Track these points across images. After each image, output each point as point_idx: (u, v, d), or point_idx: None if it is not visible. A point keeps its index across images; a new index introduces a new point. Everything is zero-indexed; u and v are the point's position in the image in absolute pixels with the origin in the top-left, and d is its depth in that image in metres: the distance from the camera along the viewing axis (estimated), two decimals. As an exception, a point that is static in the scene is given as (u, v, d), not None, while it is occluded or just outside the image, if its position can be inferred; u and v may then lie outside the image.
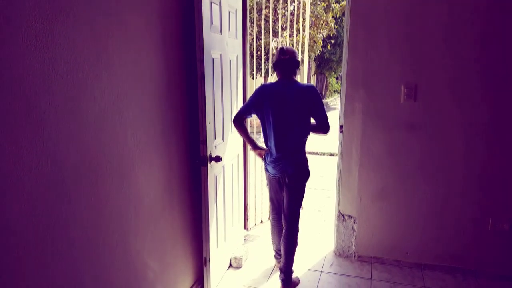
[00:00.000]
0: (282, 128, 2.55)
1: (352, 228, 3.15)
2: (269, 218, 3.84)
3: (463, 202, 2.87)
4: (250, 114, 2.68)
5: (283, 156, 2.58)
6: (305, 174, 2.64)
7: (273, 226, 2.97)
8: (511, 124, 2.68)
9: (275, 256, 3.10)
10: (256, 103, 2.61)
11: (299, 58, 2.71)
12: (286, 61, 2.57)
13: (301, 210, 2.75)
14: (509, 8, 2.53)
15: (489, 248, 2.88)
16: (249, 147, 2.95)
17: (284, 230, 2.74)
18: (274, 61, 2.66)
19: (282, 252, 2.75)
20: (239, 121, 2.70)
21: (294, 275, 2.88)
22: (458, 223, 2.90)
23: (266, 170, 2.75)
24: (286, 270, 2.74)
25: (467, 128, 2.76)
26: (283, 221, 2.77)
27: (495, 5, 2.55)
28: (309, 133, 2.63)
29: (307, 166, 2.66)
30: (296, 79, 2.65)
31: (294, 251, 2.73)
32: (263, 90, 2.61)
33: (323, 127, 2.57)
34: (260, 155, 2.80)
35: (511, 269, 2.86)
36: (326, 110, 2.80)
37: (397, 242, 3.07)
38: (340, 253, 3.25)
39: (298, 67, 2.63)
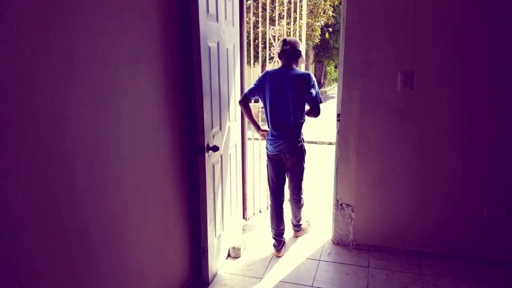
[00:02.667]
0: (279, 109, 2.88)
1: (350, 216, 3.16)
2: (267, 208, 3.92)
3: (460, 189, 2.88)
4: (254, 96, 3.03)
5: (280, 134, 2.91)
6: (301, 151, 2.98)
7: (272, 209, 3.16)
8: (507, 111, 2.67)
9: (273, 244, 3.15)
10: (259, 86, 2.97)
11: (301, 48, 2.99)
12: (288, 51, 2.90)
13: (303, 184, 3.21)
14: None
15: (485, 234, 2.90)
16: (253, 128, 3.25)
17: (290, 201, 3.26)
18: (278, 51, 3.01)
19: (291, 213, 3.31)
20: (245, 103, 3.02)
21: (304, 227, 3.46)
22: (454, 211, 2.92)
23: (266, 148, 3.07)
24: (294, 224, 3.37)
25: (464, 115, 2.75)
26: (289, 192, 3.20)
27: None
28: (304, 116, 2.95)
29: (302, 144, 2.99)
30: (299, 67, 3.00)
31: (300, 211, 3.29)
32: (265, 75, 2.95)
33: (314, 111, 2.91)
34: (263, 135, 3.13)
35: (506, 254, 2.88)
36: (324, 98, 3.18)
37: (395, 230, 3.08)
38: (338, 242, 3.27)
39: (299, 56, 2.95)
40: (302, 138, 3.00)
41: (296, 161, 2.99)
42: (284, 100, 2.85)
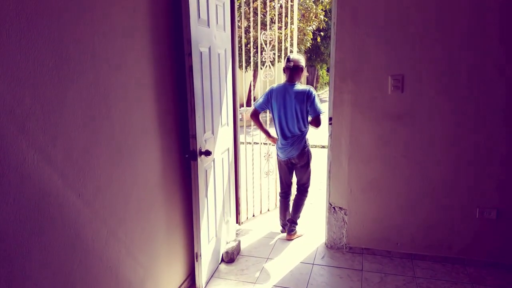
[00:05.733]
0: (285, 121, 3.25)
1: (343, 219, 3.17)
2: (260, 212, 4.03)
3: (451, 192, 2.90)
4: (262, 109, 3.41)
5: (288, 143, 3.30)
6: (307, 156, 3.38)
7: (280, 203, 3.62)
8: (496, 113, 2.70)
9: (281, 231, 3.62)
10: (267, 101, 3.35)
11: (303, 64, 3.30)
12: (291, 68, 3.24)
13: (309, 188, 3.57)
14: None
15: (477, 236, 2.92)
16: (264, 136, 3.64)
17: (295, 195, 3.56)
18: (283, 67, 3.36)
19: (291, 209, 3.56)
20: (256, 116, 3.43)
21: (298, 230, 3.57)
22: (446, 213, 2.94)
23: (277, 155, 3.47)
24: (292, 220, 3.52)
25: (453, 119, 2.78)
26: (297, 189, 3.55)
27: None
28: (307, 126, 3.31)
29: (308, 149, 3.38)
30: (300, 80, 3.33)
31: (300, 210, 3.52)
32: (271, 91, 3.33)
33: (316, 122, 3.26)
34: (273, 141, 3.52)
35: (498, 256, 2.90)
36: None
37: (388, 233, 3.10)
38: (332, 245, 3.28)
39: (301, 71, 3.29)
40: (308, 144, 3.38)
41: (304, 164, 3.39)
42: (289, 113, 3.22)
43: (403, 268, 2.94)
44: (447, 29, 2.67)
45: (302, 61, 3.29)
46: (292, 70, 3.24)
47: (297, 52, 4.34)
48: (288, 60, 3.26)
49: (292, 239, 3.48)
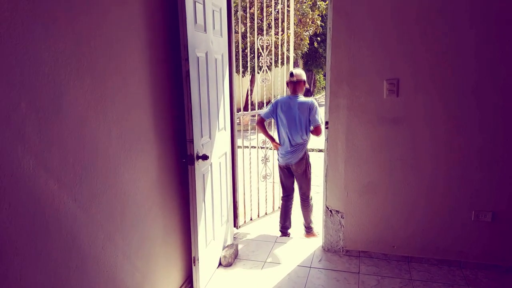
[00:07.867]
0: (288, 130, 3.54)
1: (340, 223, 3.18)
2: (258, 216, 4.05)
3: (447, 195, 2.91)
4: (268, 118, 3.73)
5: (289, 151, 3.58)
6: (306, 164, 3.64)
7: (281, 207, 3.85)
8: (491, 117, 2.73)
9: (280, 233, 3.82)
10: (272, 112, 3.67)
11: (304, 78, 3.63)
12: (294, 82, 3.57)
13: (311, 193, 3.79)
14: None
15: (473, 239, 2.93)
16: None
17: (300, 204, 3.78)
18: (286, 81, 3.67)
19: (302, 215, 3.81)
20: (262, 124, 3.77)
21: (315, 231, 3.86)
22: (442, 216, 2.95)
23: (278, 160, 3.75)
24: (305, 226, 3.82)
25: (449, 123, 2.80)
26: (299, 197, 3.77)
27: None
28: (308, 135, 3.58)
29: (307, 158, 3.66)
30: (303, 92, 3.64)
31: (309, 214, 3.79)
32: (276, 102, 3.66)
33: (316, 131, 3.55)
34: (275, 147, 3.80)
35: (494, 259, 2.92)
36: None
37: (384, 235, 3.11)
38: (329, 248, 3.28)
39: (304, 84, 3.63)
40: (308, 155, 3.65)
41: (302, 171, 3.63)
42: (293, 122, 3.51)
43: (400, 271, 2.95)
44: (442, 33, 2.69)
45: (304, 75, 3.63)
46: (295, 84, 3.56)
47: (294, 57, 4.39)
48: (291, 75, 3.57)
49: (309, 237, 3.79)
